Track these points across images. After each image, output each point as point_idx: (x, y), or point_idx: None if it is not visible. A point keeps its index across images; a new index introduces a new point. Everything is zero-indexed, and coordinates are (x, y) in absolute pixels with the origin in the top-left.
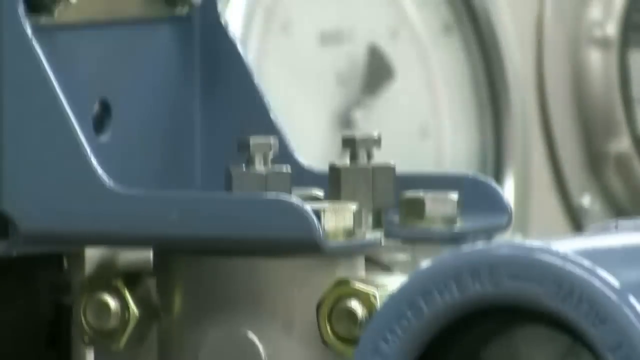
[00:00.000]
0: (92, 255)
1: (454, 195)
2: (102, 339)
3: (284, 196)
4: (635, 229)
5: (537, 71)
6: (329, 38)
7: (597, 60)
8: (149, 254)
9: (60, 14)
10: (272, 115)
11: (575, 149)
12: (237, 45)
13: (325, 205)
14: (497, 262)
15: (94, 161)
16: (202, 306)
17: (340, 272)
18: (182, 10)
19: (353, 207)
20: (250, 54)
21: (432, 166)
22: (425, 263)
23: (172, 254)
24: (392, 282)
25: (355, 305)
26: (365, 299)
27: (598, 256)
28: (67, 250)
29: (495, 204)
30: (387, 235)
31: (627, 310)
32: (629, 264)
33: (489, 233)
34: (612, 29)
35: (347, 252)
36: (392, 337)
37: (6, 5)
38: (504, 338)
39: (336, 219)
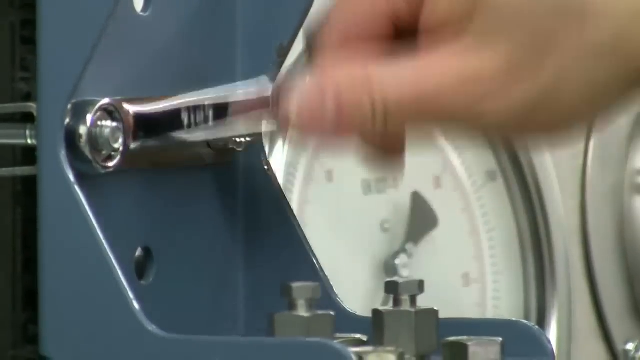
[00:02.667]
0: None
1: (497, 340)
2: None
3: (326, 340)
4: None
5: (581, 218)
6: (373, 186)
7: None
8: None
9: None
10: (315, 261)
11: (618, 295)
12: (280, 192)
13: (368, 349)
14: None
15: (136, 306)
16: None
17: None
18: (225, 158)
19: (396, 351)
20: (293, 200)
21: (475, 313)
22: None
23: None
24: None
25: None
26: None
27: None
28: None
29: (539, 349)
30: None
31: None
32: None
33: None
34: None
35: None
36: None
37: (48, 152)
38: None
39: None
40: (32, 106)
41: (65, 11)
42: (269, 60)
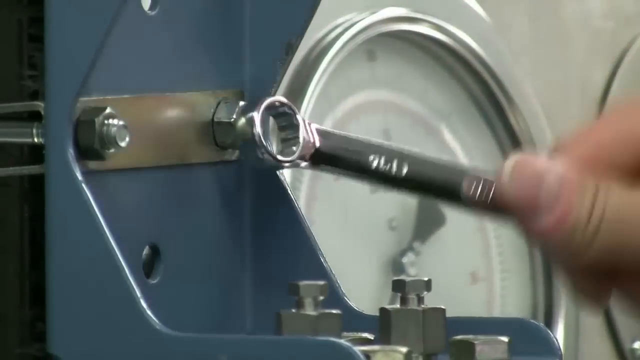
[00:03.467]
0: None
1: (504, 339)
2: None
3: (333, 339)
4: None
5: None
6: None
7: None
8: None
9: (110, 159)
10: (322, 259)
11: None
12: (287, 189)
13: (375, 348)
14: None
15: (144, 304)
16: None
17: None
18: (232, 155)
19: (403, 350)
20: (300, 198)
21: (482, 311)
22: None
23: None
24: None
25: None
26: None
27: None
28: None
29: (546, 348)
30: None
31: None
32: None
33: None
34: None
35: None
36: None
37: (56, 151)
38: None
39: None
40: (39, 105)
41: (73, 9)
42: (277, 58)
